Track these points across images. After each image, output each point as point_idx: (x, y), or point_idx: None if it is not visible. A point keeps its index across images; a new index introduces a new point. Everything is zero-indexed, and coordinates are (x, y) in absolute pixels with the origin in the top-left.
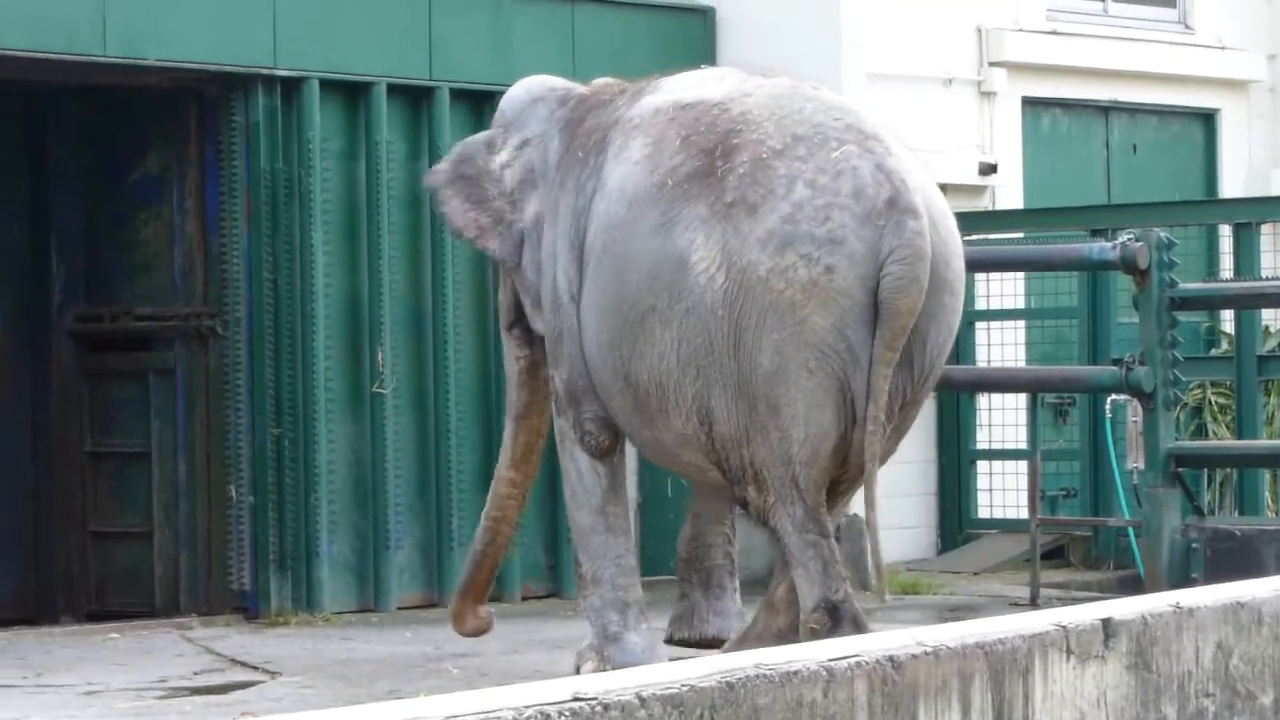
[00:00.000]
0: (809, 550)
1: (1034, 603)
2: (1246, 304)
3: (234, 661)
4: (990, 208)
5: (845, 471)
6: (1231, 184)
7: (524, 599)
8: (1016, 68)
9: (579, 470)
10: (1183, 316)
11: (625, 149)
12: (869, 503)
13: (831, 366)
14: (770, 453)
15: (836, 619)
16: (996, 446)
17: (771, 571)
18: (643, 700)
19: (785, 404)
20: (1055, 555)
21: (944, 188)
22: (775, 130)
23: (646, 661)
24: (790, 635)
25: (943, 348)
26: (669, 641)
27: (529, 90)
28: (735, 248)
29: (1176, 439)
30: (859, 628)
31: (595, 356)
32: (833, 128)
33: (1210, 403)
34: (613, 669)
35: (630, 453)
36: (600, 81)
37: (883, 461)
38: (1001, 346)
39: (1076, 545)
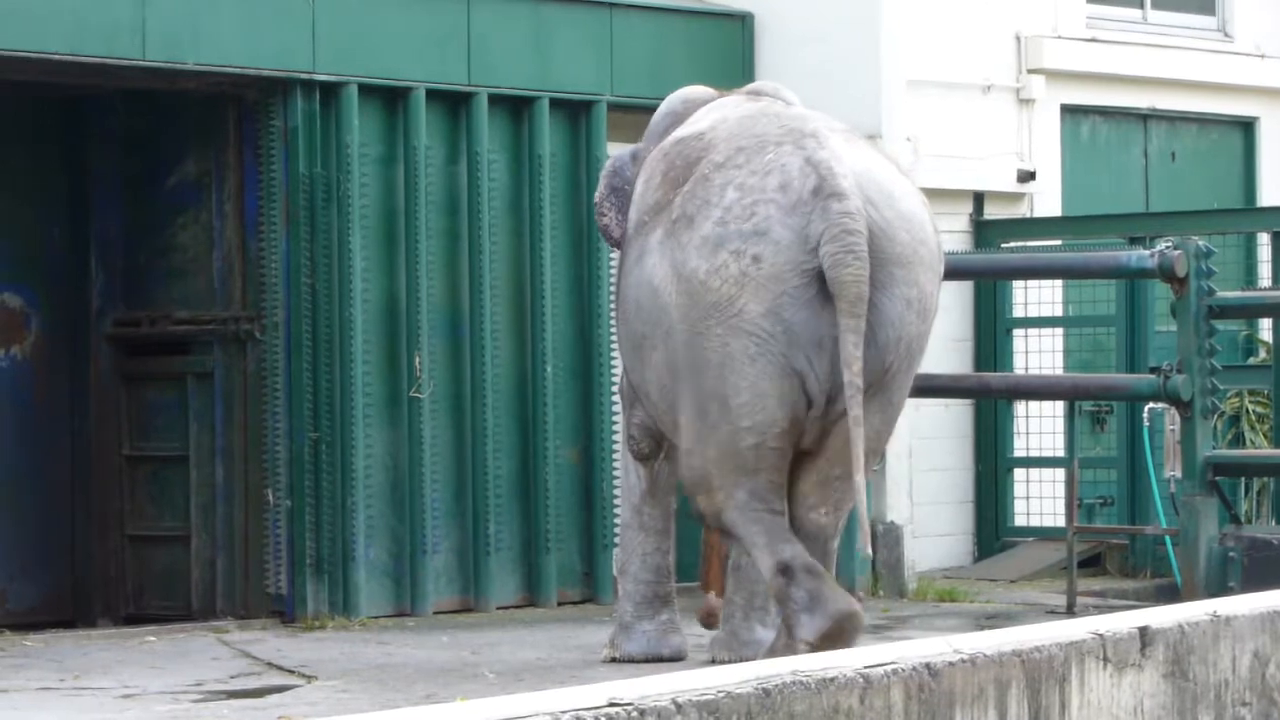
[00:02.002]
0: (754, 526)
1: (1071, 611)
2: None
3: (270, 665)
4: (1028, 215)
5: (821, 452)
6: (1270, 192)
7: (560, 604)
8: (1055, 75)
9: (626, 467)
10: (1221, 325)
11: (635, 186)
12: (855, 465)
13: (771, 351)
14: (720, 450)
15: (790, 575)
16: (1034, 454)
17: None
18: (679, 706)
19: (733, 394)
20: (1092, 563)
21: (982, 195)
22: (724, 148)
23: (650, 650)
24: (820, 645)
25: (904, 317)
26: (710, 663)
27: (669, 104)
28: (680, 260)
29: (1214, 447)
30: (814, 575)
31: (629, 374)
32: (773, 134)
33: (1248, 411)
34: (620, 656)
35: None
36: (744, 89)
37: (880, 442)
38: (1039, 354)
39: (1113, 553)
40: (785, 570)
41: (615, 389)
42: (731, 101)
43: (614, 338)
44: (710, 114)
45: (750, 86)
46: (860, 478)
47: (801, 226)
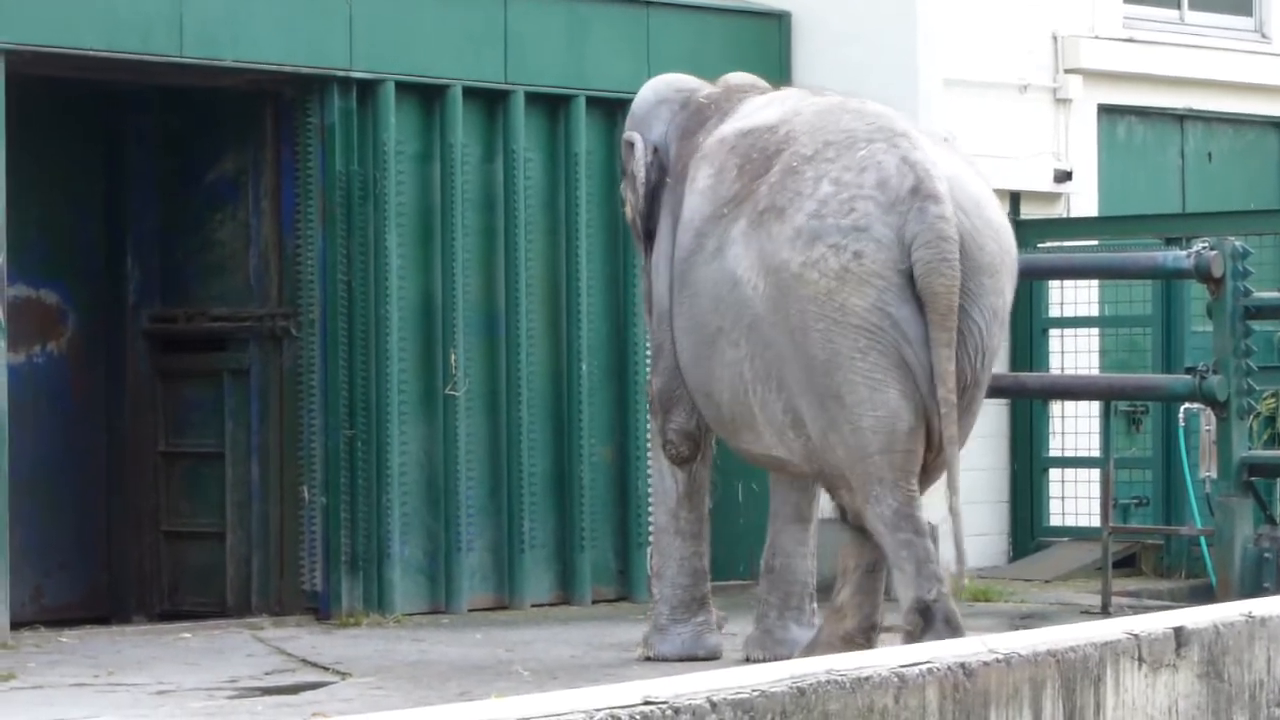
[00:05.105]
0: (903, 551)
1: (1106, 611)
2: None
3: (305, 662)
4: (1065, 215)
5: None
6: None
7: (594, 602)
8: (1092, 75)
9: (660, 471)
10: (1257, 325)
11: (695, 180)
12: (952, 488)
13: (882, 345)
14: (848, 451)
15: (929, 620)
16: (1069, 454)
17: None
18: (714, 705)
19: (847, 391)
20: (1127, 564)
21: (1018, 195)
22: (809, 141)
23: (685, 650)
24: (858, 639)
25: (989, 327)
26: (745, 661)
27: (655, 92)
28: (769, 251)
29: (1249, 448)
30: (952, 627)
31: (685, 373)
32: (863, 131)
33: None
34: (654, 656)
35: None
36: (728, 81)
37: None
38: (1075, 354)
39: (1148, 554)
40: (925, 612)
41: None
42: (793, 94)
43: (648, 337)
44: (773, 106)
45: (729, 77)
46: (958, 499)
47: (899, 226)
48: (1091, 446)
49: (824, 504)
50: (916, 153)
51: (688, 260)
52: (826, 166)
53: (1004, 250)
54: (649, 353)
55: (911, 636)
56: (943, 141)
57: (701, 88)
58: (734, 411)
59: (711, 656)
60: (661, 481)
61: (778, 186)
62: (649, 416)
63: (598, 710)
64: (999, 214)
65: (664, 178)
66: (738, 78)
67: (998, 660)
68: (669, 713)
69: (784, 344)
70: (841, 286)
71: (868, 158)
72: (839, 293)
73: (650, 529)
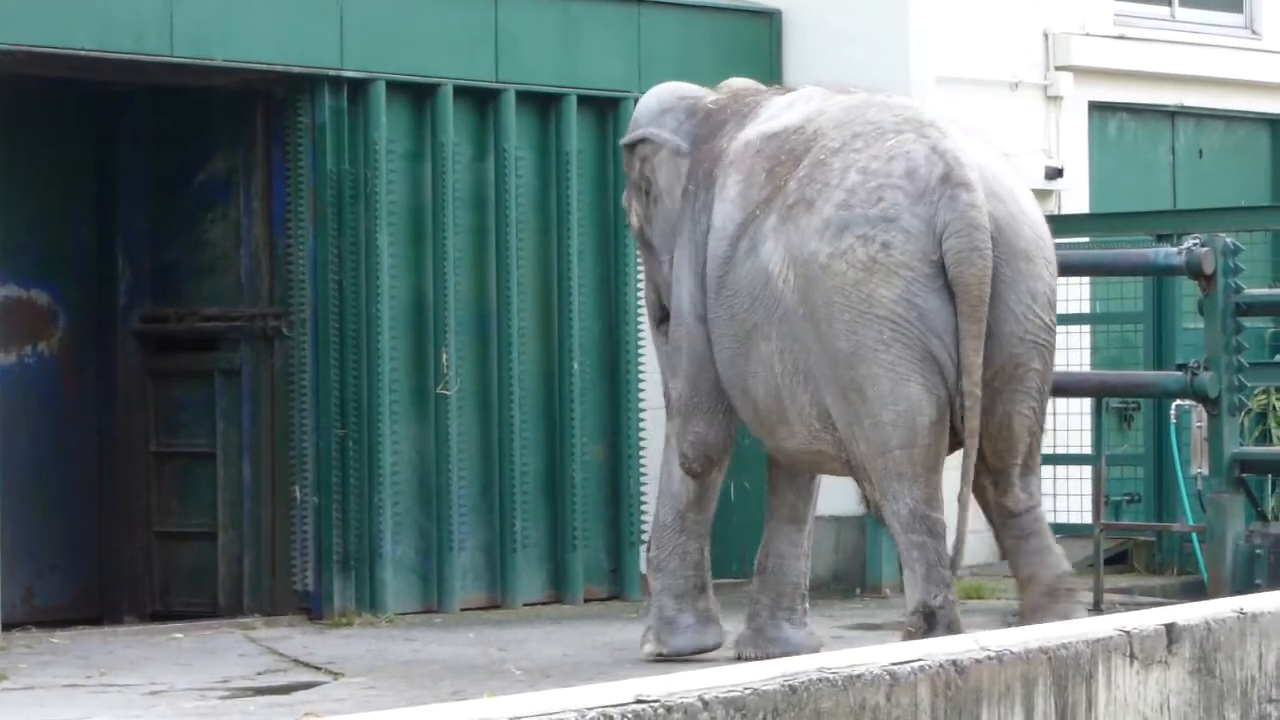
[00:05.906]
0: (914, 551)
1: (1097, 608)
2: None
3: (297, 662)
4: (1056, 212)
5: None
6: None
7: (586, 601)
8: (1083, 72)
9: (671, 474)
10: (1248, 322)
11: (725, 187)
12: (964, 477)
13: (906, 337)
14: (869, 445)
15: (931, 624)
16: (1061, 451)
17: (836, 575)
18: (705, 703)
19: (869, 384)
20: (1119, 560)
21: None
22: (837, 134)
23: (695, 641)
24: (1060, 589)
25: (1030, 310)
26: (736, 660)
27: (659, 100)
28: (797, 243)
29: (1241, 444)
30: (954, 633)
31: (722, 373)
32: (890, 122)
33: (1275, 408)
34: (665, 650)
35: None
36: (730, 86)
37: (1037, 429)
38: (1066, 351)
39: (1140, 550)
40: (929, 617)
41: (643, 390)
42: (816, 93)
43: (642, 337)
44: (796, 107)
45: (730, 83)
46: (968, 489)
47: (929, 216)
48: (1083, 443)
49: (823, 504)
50: (946, 141)
51: (723, 265)
52: (854, 156)
53: (1039, 236)
54: (643, 355)
55: (912, 638)
56: (973, 132)
57: (705, 94)
58: (768, 407)
59: (718, 644)
60: (670, 483)
61: (806, 179)
62: (667, 418)
63: (590, 709)
64: (1032, 202)
65: (669, 185)
66: (739, 83)
67: (989, 657)
68: (661, 711)
69: (810, 336)
70: (869, 277)
71: (896, 147)
72: (866, 283)
73: (644, 527)
